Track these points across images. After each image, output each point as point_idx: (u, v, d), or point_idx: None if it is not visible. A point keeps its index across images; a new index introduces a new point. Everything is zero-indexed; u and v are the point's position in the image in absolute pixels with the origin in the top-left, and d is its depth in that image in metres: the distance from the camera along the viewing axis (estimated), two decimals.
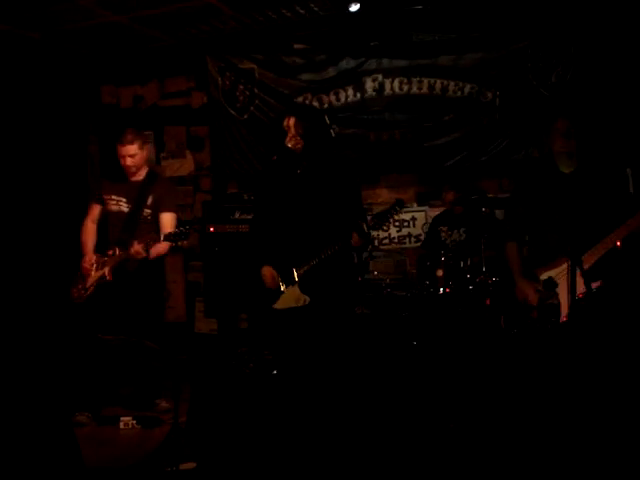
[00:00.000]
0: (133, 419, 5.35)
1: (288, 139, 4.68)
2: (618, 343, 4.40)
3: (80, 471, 3.54)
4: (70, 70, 7.88)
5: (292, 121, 4.67)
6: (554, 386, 4.31)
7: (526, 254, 4.90)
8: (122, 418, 5.36)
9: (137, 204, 5.53)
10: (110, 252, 5.43)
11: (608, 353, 4.36)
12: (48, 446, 3.35)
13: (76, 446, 3.57)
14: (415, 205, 7.28)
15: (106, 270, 5.41)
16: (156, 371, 5.68)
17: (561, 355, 4.32)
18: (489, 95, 6.92)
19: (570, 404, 4.14)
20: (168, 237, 5.28)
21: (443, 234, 6.57)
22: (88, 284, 5.47)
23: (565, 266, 4.44)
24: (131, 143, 5.45)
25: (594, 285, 4.42)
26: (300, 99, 7.36)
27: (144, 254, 5.32)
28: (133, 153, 5.46)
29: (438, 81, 7.02)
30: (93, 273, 5.46)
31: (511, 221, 5.06)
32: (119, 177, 5.61)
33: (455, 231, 6.48)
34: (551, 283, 4.37)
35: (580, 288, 4.25)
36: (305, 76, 7.39)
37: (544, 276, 4.55)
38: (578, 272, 4.14)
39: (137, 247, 5.28)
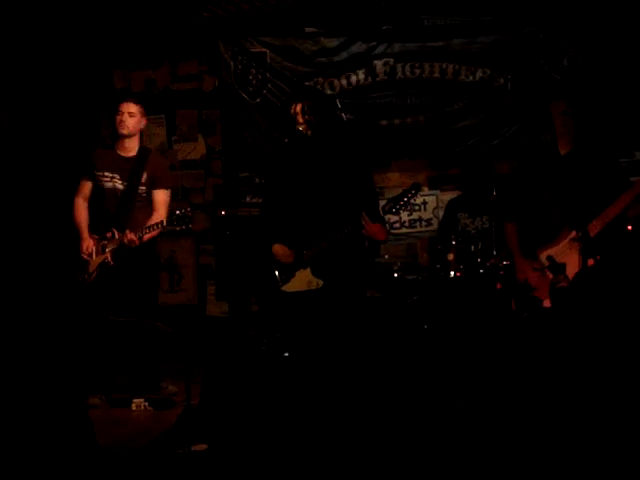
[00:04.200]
0: (145, 401, 5.39)
1: (297, 124, 4.66)
2: (616, 321, 4.45)
3: (94, 452, 3.58)
4: (83, 54, 7.89)
5: (299, 107, 4.64)
6: (562, 370, 4.33)
7: (526, 234, 4.92)
8: (134, 400, 5.40)
9: (132, 181, 5.47)
10: (109, 234, 5.39)
11: (606, 331, 4.40)
12: (63, 428, 3.40)
13: (90, 428, 3.62)
14: (427, 189, 7.27)
15: (108, 255, 5.38)
16: (162, 354, 5.70)
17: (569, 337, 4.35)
18: (501, 79, 6.91)
19: (578, 388, 4.15)
20: (170, 222, 5.26)
21: (464, 221, 6.44)
22: (91, 269, 5.43)
23: (564, 243, 4.51)
24: (134, 103, 5.48)
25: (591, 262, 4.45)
26: (311, 83, 7.34)
27: (138, 242, 5.31)
28: (133, 111, 5.46)
29: (450, 65, 7.00)
30: (94, 258, 5.42)
31: (509, 201, 5.11)
32: (110, 153, 5.59)
33: (478, 218, 6.40)
34: (557, 265, 4.38)
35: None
36: (316, 60, 7.37)
37: (543, 255, 4.58)
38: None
39: (131, 236, 5.27)
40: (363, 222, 4.52)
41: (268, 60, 7.48)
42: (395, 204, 4.61)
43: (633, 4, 6.34)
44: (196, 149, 7.99)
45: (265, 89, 7.53)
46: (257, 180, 7.58)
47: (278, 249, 4.76)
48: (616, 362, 4.38)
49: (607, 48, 6.51)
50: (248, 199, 7.56)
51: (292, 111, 4.67)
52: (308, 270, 4.70)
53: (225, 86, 7.67)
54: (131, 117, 5.46)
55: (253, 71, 7.55)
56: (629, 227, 4.82)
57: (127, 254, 5.40)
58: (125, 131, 5.49)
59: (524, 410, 4.42)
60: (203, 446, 4.27)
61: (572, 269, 4.42)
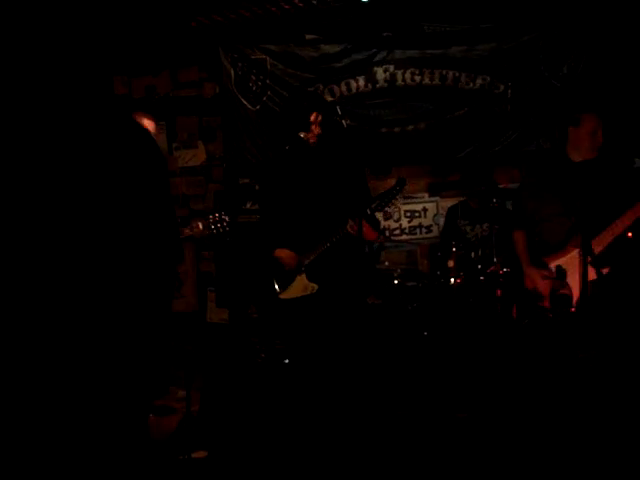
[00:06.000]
0: None
1: (310, 133, 4.66)
2: (627, 330, 4.41)
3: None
4: (83, 60, 7.90)
5: (320, 118, 4.66)
6: (564, 377, 4.32)
7: (535, 243, 4.87)
8: None
9: None
10: None
11: (617, 340, 4.37)
12: (63, 435, 3.39)
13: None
14: (427, 196, 7.27)
15: None
16: (170, 359, 5.70)
17: (571, 344, 4.33)
18: (501, 86, 6.91)
19: (579, 395, 4.15)
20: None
21: (464, 228, 6.47)
22: None
23: (574, 254, 4.47)
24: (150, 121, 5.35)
25: (602, 272, 4.42)
26: (311, 89, 7.33)
27: None
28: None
29: (450, 72, 7.00)
30: None
31: (518, 209, 5.06)
32: None
33: (477, 226, 6.42)
34: (561, 272, 4.38)
35: (591, 275, 4.26)
36: (317, 66, 7.37)
37: (553, 264, 4.55)
38: (588, 259, 4.16)
39: None
40: (348, 224, 4.53)
41: (268, 67, 7.49)
42: (382, 201, 4.61)
43: (633, 11, 6.35)
44: (196, 156, 7.99)
45: (265, 96, 7.54)
46: (257, 187, 7.57)
47: (281, 253, 4.76)
48: (621, 373, 4.35)
49: (607, 55, 6.51)
50: (248, 205, 7.56)
51: (312, 119, 4.68)
52: (304, 275, 4.70)
53: (225, 93, 7.68)
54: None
55: (253, 78, 7.56)
56: (629, 234, 4.77)
57: None
58: None
59: (523, 417, 4.42)
60: (203, 453, 4.27)
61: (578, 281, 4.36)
